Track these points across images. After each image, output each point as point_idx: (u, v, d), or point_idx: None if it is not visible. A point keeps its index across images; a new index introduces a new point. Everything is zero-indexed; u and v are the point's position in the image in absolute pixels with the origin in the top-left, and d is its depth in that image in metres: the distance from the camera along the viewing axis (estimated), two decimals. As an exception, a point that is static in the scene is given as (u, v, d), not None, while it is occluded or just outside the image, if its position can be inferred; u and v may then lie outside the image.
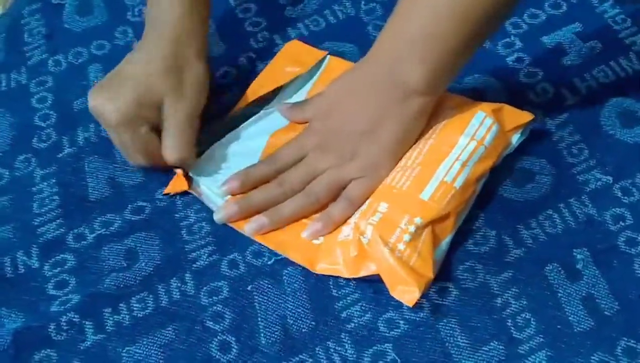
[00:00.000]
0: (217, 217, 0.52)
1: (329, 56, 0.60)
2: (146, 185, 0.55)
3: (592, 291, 0.47)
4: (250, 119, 0.57)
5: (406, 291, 0.46)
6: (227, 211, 0.52)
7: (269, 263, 0.50)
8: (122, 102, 0.51)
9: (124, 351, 0.47)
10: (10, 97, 0.62)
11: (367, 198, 0.51)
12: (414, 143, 0.51)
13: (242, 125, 0.57)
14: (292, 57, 0.60)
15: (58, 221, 0.54)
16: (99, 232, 0.53)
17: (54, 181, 0.56)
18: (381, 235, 0.47)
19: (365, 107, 0.51)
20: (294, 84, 0.58)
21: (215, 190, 0.53)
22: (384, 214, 0.48)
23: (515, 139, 0.52)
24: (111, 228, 0.53)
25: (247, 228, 0.51)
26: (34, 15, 0.66)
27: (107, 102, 0.52)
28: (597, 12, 0.62)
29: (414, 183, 0.49)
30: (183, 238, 0.52)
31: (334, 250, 0.49)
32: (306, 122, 0.55)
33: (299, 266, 0.49)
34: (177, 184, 0.54)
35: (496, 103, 0.53)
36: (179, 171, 0.54)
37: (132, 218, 0.53)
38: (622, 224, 0.50)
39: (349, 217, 0.51)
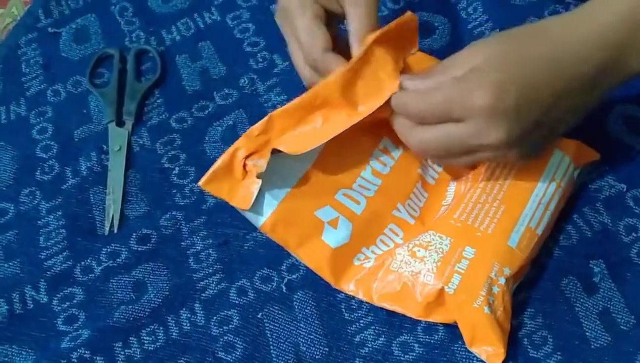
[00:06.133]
0: None
1: None
2: (151, 214, 0.55)
3: (608, 305, 0.46)
4: None
5: (490, 352, 0.44)
6: None
7: (278, 288, 0.49)
8: None
9: (137, 386, 0.47)
10: (10, 129, 0.61)
11: None
12: (493, 177, 0.48)
13: None
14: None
15: (65, 253, 0.53)
16: (106, 264, 0.52)
17: (60, 213, 0.55)
18: (471, 286, 0.44)
19: (572, 95, 0.42)
20: None
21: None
22: (471, 261, 0.45)
23: (576, 176, 0.50)
24: (118, 259, 0.53)
25: None
26: (31, 45, 0.66)
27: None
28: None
29: (499, 227, 0.46)
30: (191, 266, 0.52)
31: (407, 289, 0.45)
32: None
33: (309, 290, 0.49)
34: (232, 192, 0.45)
35: (570, 140, 0.50)
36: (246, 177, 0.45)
37: (139, 249, 0.53)
38: (635, 235, 0.49)
39: None
